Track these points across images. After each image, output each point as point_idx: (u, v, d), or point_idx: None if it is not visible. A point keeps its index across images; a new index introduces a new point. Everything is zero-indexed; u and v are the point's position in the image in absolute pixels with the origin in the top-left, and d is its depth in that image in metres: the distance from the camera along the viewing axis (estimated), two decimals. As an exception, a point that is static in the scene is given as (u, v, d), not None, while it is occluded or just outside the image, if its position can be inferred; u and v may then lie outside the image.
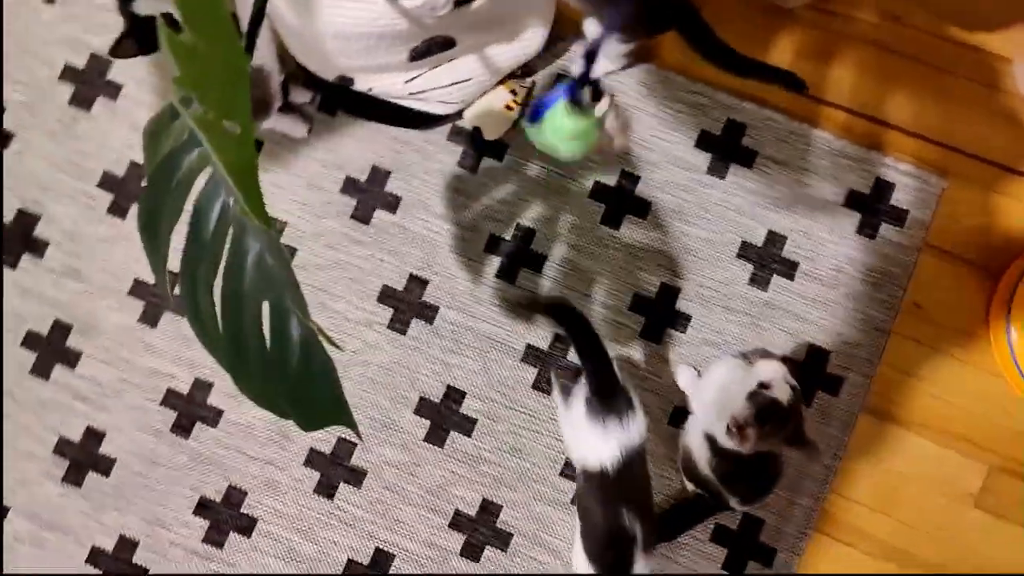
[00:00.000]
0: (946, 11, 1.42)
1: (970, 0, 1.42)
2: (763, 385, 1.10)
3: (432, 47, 1.14)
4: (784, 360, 1.27)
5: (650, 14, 1.14)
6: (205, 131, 0.58)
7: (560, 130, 0.98)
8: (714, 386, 1.22)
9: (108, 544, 1.36)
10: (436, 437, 1.37)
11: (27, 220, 1.41)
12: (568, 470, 1.36)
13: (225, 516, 1.36)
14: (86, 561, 1.35)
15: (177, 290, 0.80)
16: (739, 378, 1.16)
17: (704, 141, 1.40)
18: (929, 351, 1.38)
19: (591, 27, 1.25)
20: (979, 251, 1.38)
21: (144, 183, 0.79)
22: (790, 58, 1.42)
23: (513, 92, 1.36)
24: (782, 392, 1.10)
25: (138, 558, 1.36)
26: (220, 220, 0.71)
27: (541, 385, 1.38)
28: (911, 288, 1.38)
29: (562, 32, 1.38)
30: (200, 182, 0.75)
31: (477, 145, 1.40)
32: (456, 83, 1.27)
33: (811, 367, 1.37)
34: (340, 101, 1.39)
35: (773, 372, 1.12)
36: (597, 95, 0.97)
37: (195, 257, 0.72)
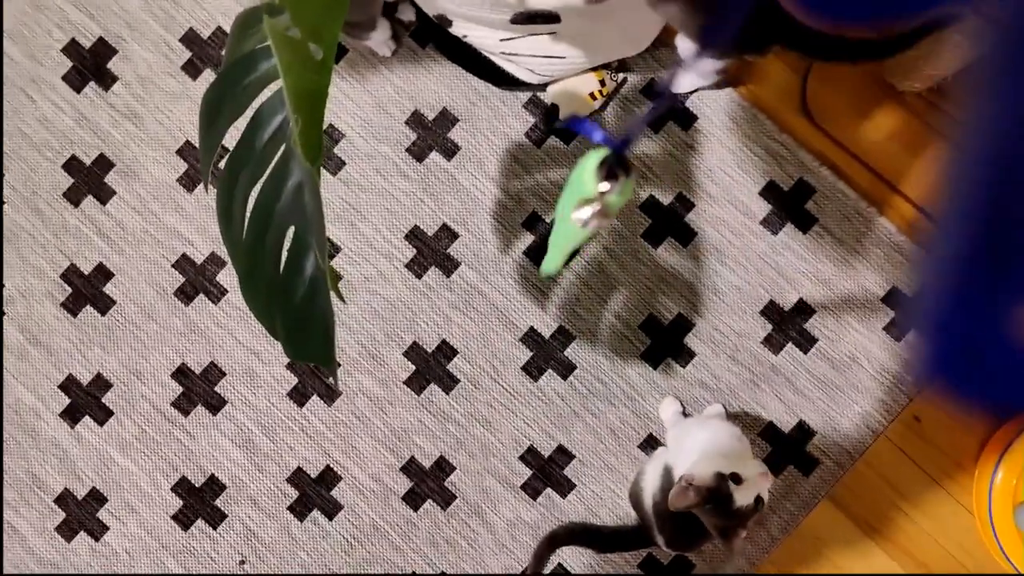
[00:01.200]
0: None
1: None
2: (736, 478, 1.06)
3: (536, 17, 1.12)
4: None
5: (749, 34, 1.11)
6: (284, 48, 0.58)
7: (576, 187, 0.77)
8: (703, 437, 1.19)
9: (85, 377, 1.40)
10: (416, 384, 1.39)
11: (105, 50, 1.42)
12: (528, 456, 1.38)
13: (199, 389, 1.40)
14: (59, 386, 1.40)
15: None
16: (726, 446, 1.14)
17: (769, 192, 1.38)
18: (912, 466, 1.37)
19: (683, 44, 1.22)
20: (996, 388, 1.36)
21: (220, 71, 0.79)
22: (882, 137, 1.38)
23: (602, 82, 1.34)
24: (745, 498, 1.05)
25: (107, 399, 1.40)
26: (275, 135, 0.71)
27: (531, 369, 1.39)
28: (916, 401, 1.36)
29: (668, 38, 1.36)
30: (269, 90, 0.75)
31: (550, 121, 1.39)
32: (549, 57, 1.26)
33: (792, 442, 1.37)
34: (435, 36, 1.38)
35: (759, 482, 1.07)
36: (624, 166, 0.74)
37: (242, 160, 0.73)
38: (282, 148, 0.70)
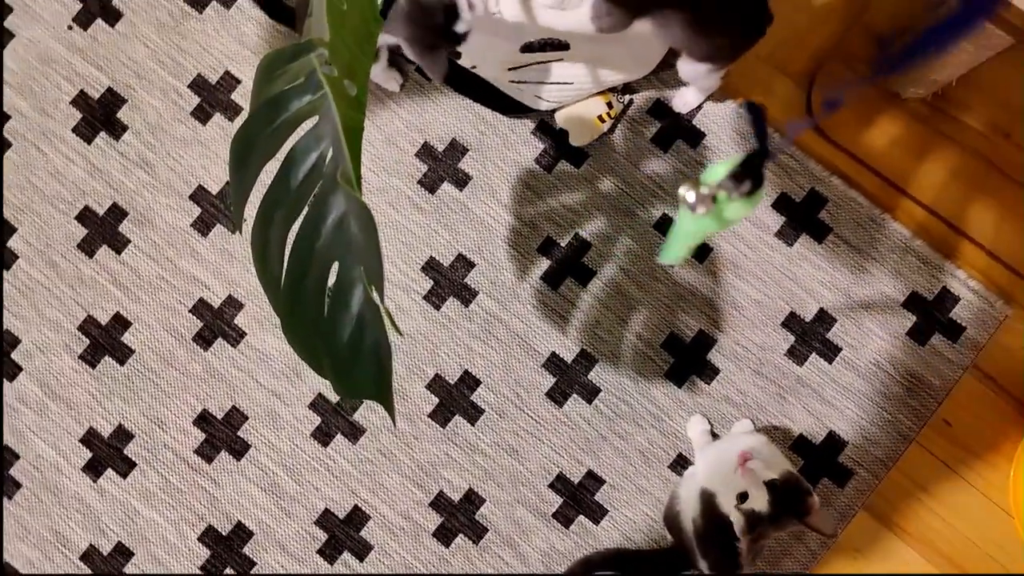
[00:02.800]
0: (1060, 142, 1.39)
1: (1087, 137, 1.39)
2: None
3: (546, 45, 1.14)
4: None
5: (738, 35, 1.14)
6: (332, 85, 0.58)
7: (705, 173, 0.76)
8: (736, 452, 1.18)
9: (106, 429, 1.39)
10: (440, 416, 1.38)
11: (114, 100, 1.43)
12: (558, 484, 1.36)
13: (222, 434, 1.39)
14: (80, 440, 1.38)
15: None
16: (766, 455, 1.14)
17: (782, 204, 1.39)
18: (946, 470, 1.36)
19: (685, 66, 1.24)
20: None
21: (249, 113, 0.79)
22: (889, 143, 1.40)
23: (609, 104, 1.36)
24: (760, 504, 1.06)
25: (129, 450, 1.38)
26: (311, 172, 0.71)
27: (555, 395, 1.38)
28: (946, 404, 1.35)
29: (671, 58, 1.37)
30: (300, 130, 0.75)
31: (560, 146, 1.40)
32: (557, 83, 1.27)
33: (824, 453, 1.35)
34: (441, 69, 1.39)
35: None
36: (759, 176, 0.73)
37: (277, 199, 0.73)
38: (318, 186, 0.70)
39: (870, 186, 1.39)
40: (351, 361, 0.68)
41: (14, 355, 1.39)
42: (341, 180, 0.62)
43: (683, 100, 1.38)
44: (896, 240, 1.38)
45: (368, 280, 0.65)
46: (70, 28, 1.44)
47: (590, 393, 1.38)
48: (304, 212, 0.72)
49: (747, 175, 0.71)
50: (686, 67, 1.24)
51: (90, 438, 1.39)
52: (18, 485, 1.38)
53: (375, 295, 0.64)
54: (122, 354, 1.40)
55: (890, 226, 1.38)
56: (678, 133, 1.40)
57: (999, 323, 1.36)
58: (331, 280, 0.72)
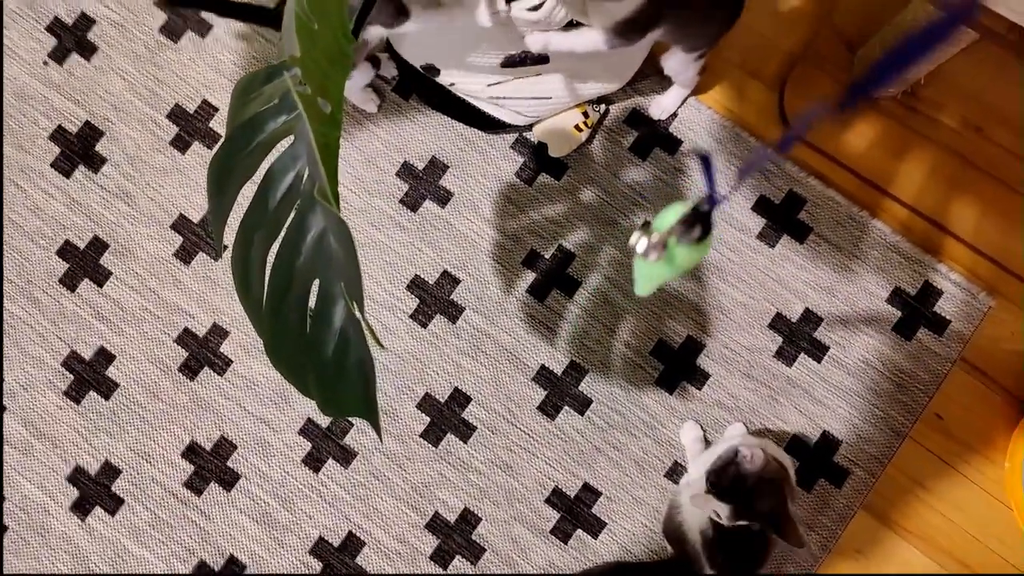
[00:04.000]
0: (1031, 133, 1.41)
1: (1056, 127, 1.41)
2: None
3: (526, 59, 1.15)
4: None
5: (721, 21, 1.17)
6: (304, 102, 0.59)
7: (657, 219, 0.76)
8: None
9: (92, 466, 1.36)
10: (432, 436, 1.37)
11: (92, 134, 1.43)
12: (554, 498, 1.35)
13: (211, 465, 1.37)
14: (67, 478, 1.36)
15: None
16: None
17: (761, 206, 1.40)
18: (941, 464, 1.36)
19: (671, 60, 1.25)
20: (1013, 378, 1.36)
21: (225, 137, 0.79)
22: (865, 144, 1.41)
23: (585, 115, 1.37)
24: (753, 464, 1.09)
25: (117, 487, 1.36)
26: (289, 192, 0.71)
27: (547, 408, 1.37)
28: (936, 398, 1.36)
29: (645, 68, 1.39)
30: (276, 150, 0.75)
31: (540, 159, 1.41)
32: (536, 98, 1.28)
33: (819, 454, 1.35)
34: (418, 88, 1.41)
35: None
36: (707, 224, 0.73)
37: (256, 221, 0.73)
38: (297, 204, 0.70)
39: (848, 185, 1.41)
40: (336, 378, 0.67)
41: (-3, 394, 1.37)
42: (318, 196, 0.62)
43: (660, 107, 1.39)
44: (876, 237, 1.39)
45: (348, 294, 0.64)
46: (46, 64, 1.44)
47: (582, 404, 1.37)
48: (283, 232, 0.71)
49: (696, 221, 0.71)
50: (673, 61, 1.26)
51: (77, 476, 1.36)
52: (4, 528, 1.35)
53: (356, 309, 0.64)
54: (107, 388, 1.38)
55: (870, 223, 1.39)
56: (656, 141, 1.41)
57: (983, 315, 1.37)
58: (312, 299, 0.71)
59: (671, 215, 0.73)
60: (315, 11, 0.63)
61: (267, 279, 0.75)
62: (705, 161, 0.70)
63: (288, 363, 0.76)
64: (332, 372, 0.71)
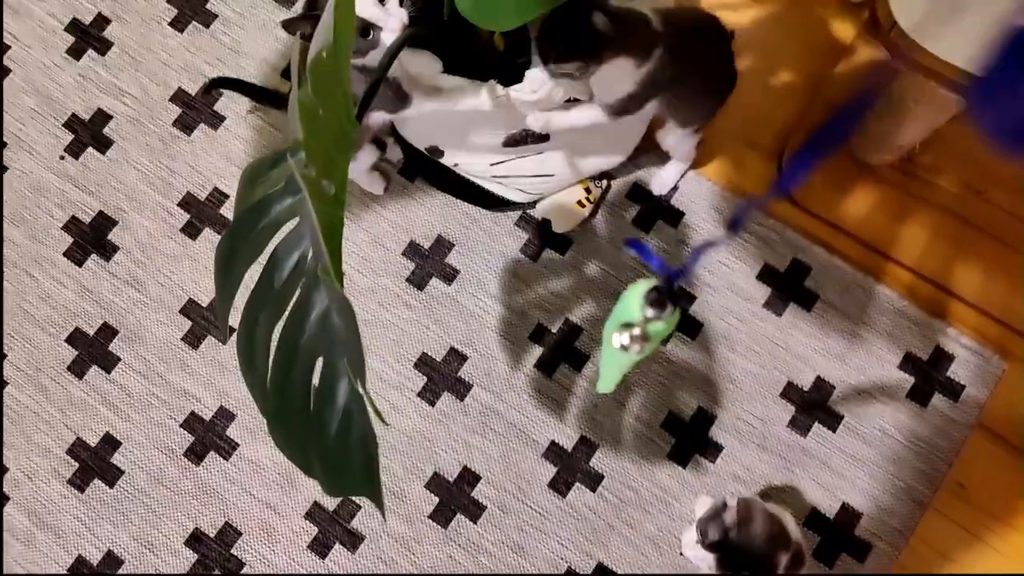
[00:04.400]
0: (1029, 195, 1.42)
1: (1054, 190, 1.43)
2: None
3: (527, 138, 1.18)
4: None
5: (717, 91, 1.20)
6: (308, 184, 0.60)
7: (621, 311, 0.75)
8: None
9: (95, 556, 1.34)
10: (442, 517, 1.34)
11: (105, 223, 1.46)
12: (569, 581, 1.31)
13: (214, 554, 1.33)
14: (68, 570, 1.33)
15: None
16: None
17: (766, 275, 1.40)
18: (965, 534, 1.31)
19: (668, 136, 1.28)
20: (1034, 442, 1.33)
21: (232, 221, 0.82)
22: (866, 210, 1.43)
23: (587, 190, 1.39)
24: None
25: (120, 577, 1.33)
26: (294, 271, 0.72)
27: (558, 485, 1.34)
28: (956, 466, 1.32)
29: (645, 143, 1.42)
30: (281, 232, 0.77)
31: (544, 235, 1.43)
32: (539, 176, 1.31)
33: (840, 527, 1.31)
34: (423, 169, 1.44)
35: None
36: (673, 297, 0.74)
37: (261, 301, 0.74)
38: (301, 283, 0.71)
39: (852, 252, 1.41)
40: (340, 456, 0.67)
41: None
42: (321, 274, 0.63)
43: (661, 182, 1.42)
44: (884, 303, 1.39)
45: (351, 370, 0.65)
46: (62, 158, 1.49)
47: (593, 481, 1.34)
48: (288, 311, 0.72)
49: (663, 299, 0.72)
50: (670, 136, 1.29)
51: (78, 567, 1.33)
52: (3, 624, 1.31)
53: (358, 384, 0.64)
54: (112, 476, 1.37)
55: (876, 289, 1.39)
56: (658, 214, 1.43)
57: (997, 378, 1.35)
58: (315, 378, 0.71)
59: (633, 300, 0.73)
60: (320, 97, 0.66)
61: (271, 357, 0.75)
62: (638, 246, 0.71)
63: (291, 442, 0.75)
64: (335, 450, 0.70)
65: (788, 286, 1.40)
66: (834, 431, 1.34)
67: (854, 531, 1.31)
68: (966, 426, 1.33)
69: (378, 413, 0.64)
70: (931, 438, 1.33)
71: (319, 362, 0.70)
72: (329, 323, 0.67)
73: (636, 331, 0.72)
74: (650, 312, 0.71)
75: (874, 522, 1.31)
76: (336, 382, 0.66)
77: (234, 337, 0.81)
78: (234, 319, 0.86)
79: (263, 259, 0.81)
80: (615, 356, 0.76)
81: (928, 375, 1.35)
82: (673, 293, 0.72)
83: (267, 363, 0.73)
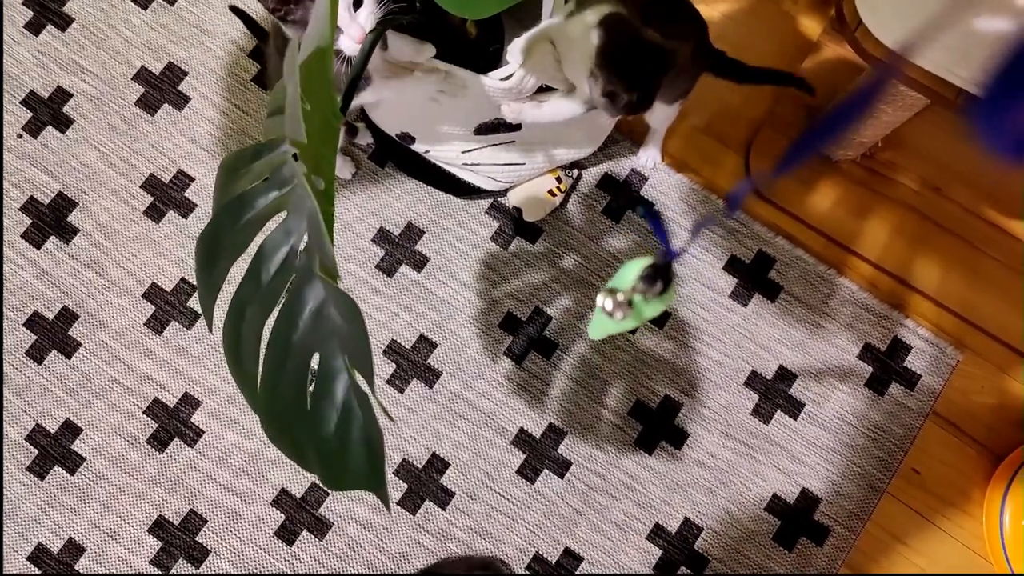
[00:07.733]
0: (986, 192, 1.46)
1: (1010, 187, 1.47)
2: None
3: (499, 126, 1.18)
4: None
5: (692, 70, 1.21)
6: (307, 181, 0.60)
7: (617, 279, 0.77)
8: None
9: (55, 544, 1.31)
10: (410, 503, 1.34)
11: (65, 204, 1.42)
12: (535, 565, 1.32)
13: (179, 541, 1.32)
14: (28, 558, 1.30)
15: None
16: None
17: (732, 266, 1.43)
18: (919, 519, 1.36)
19: (656, 112, 1.29)
20: (985, 431, 1.38)
21: (213, 214, 0.80)
22: (829, 205, 1.46)
23: (559, 179, 1.40)
24: None
25: (81, 565, 1.30)
26: (283, 266, 0.71)
27: (526, 472, 1.35)
28: (912, 453, 1.37)
29: (616, 134, 1.43)
30: (268, 226, 0.76)
31: (515, 224, 1.43)
32: (510, 164, 1.31)
33: (799, 512, 1.34)
34: (393, 155, 1.43)
35: None
36: (668, 277, 0.75)
37: (248, 296, 0.72)
38: (292, 279, 0.70)
39: (815, 245, 1.44)
40: (340, 453, 0.66)
41: (-44, 472, 1.32)
42: (321, 272, 0.62)
43: (649, 157, 1.42)
44: (845, 294, 1.42)
45: (358, 369, 0.64)
46: (20, 137, 1.45)
47: (561, 467, 1.36)
48: (278, 307, 0.71)
49: (657, 276, 0.74)
50: (657, 112, 1.29)
51: (38, 555, 1.31)
52: (-42, 614, 1.28)
53: (365, 385, 0.63)
54: (72, 463, 1.34)
55: (838, 281, 1.42)
56: (629, 204, 1.44)
57: (952, 368, 1.39)
58: (311, 374, 0.70)
59: (631, 272, 0.75)
60: (306, 93, 0.65)
61: (262, 354, 0.74)
62: (653, 216, 0.72)
63: (286, 439, 0.74)
64: (336, 447, 0.69)
65: (753, 277, 1.42)
66: (795, 419, 1.38)
67: (813, 516, 1.34)
68: (921, 414, 1.38)
69: (386, 411, 0.63)
70: (888, 426, 1.37)
71: (315, 358, 0.68)
72: (324, 319, 0.66)
73: (620, 297, 0.74)
74: (640, 285, 0.74)
75: (832, 507, 1.35)
76: (334, 377, 0.65)
77: (209, 328, 0.80)
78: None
79: (248, 254, 0.79)
80: (606, 322, 0.78)
81: (886, 365, 1.39)
82: (668, 270, 0.74)
83: (256, 359, 0.71)
